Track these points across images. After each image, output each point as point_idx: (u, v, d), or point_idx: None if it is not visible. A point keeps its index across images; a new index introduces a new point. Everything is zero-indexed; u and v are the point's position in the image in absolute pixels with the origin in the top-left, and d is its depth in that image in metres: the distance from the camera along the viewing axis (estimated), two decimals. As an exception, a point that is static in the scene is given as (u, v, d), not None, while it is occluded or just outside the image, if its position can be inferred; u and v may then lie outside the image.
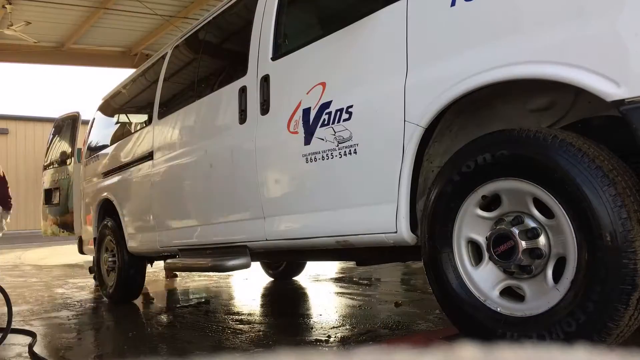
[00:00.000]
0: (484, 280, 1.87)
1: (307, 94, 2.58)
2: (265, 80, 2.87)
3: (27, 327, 3.56)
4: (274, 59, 2.87)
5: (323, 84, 2.51)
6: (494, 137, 1.83)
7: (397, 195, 2.12)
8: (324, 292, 4.84)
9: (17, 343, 3.20)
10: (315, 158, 2.51)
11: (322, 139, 2.46)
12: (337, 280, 5.53)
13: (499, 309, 1.81)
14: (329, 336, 2.96)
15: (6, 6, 9.54)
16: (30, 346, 2.98)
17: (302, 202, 2.66)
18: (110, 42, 12.21)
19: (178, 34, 5.07)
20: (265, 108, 2.86)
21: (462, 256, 1.93)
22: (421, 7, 2.08)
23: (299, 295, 4.89)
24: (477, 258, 1.93)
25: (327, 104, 2.46)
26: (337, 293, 4.67)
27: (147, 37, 11.85)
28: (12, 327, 3.14)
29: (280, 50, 2.87)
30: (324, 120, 2.46)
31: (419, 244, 2.12)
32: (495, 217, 1.86)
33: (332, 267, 6.63)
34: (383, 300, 4.24)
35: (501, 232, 1.80)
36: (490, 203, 1.89)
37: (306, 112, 2.57)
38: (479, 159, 1.82)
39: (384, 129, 2.18)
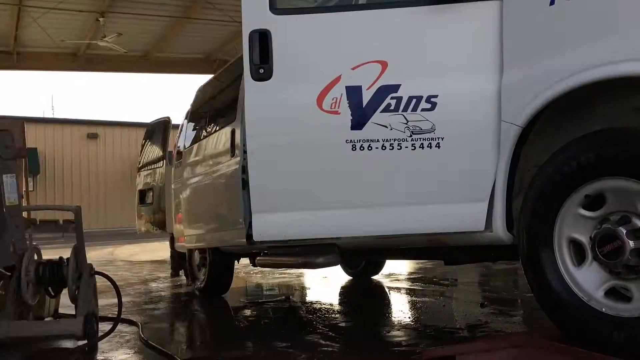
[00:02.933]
0: (588, 280, 1.85)
1: (354, 69, 2.27)
2: (264, 37, 2.39)
3: (130, 318, 3.87)
4: (275, 12, 2.41)
5: (383, 63, 2.24)
6: (597, 136, 1.81)
7: (493, 194, 2.12)
8: (405, 291, 4.86)
9: (124, 331, 3.48)
10: (370, 146, 2.24)
11: (385, 126, 2.22)
12: (416, 280, 5.52)
13: (604, 310, 1.78)
14: (419, 334, 3.00)
15: (100, 19, 10.28)
16: (141, 334, 3.24)
17: (346, 194, 2.37)
18: (191, 49, 12.82)
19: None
20: (265, 72, 2.38)
21: (563, 256, 1.91)
22: (517, 6, 2.08)
23: (383, 295, 4.93)
24: (579, 258, 1.91)
25: (392, 88, 2.21)
26: (419, 293, 4.68)
27: (226, 43, 12.33)
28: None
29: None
30: (390, 105, 2.21)
31: (515, 243, 2.13)
32: (599, 216, 1.84)
33: (407, 267, 6.62)
34: (466, 300, 4.22)
35: (607, 231, 1.77)
36: (593, 202, 1.87)
37: (353, 90, 2.25)
38: (582, 158, 1.80)
39: (477, 128, 2.17)
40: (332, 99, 2.27)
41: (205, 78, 5.73)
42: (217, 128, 4.59)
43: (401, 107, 2.20)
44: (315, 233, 2.46)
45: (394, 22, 2.25)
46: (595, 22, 1.83)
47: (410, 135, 2.19)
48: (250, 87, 2.41)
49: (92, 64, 12.91)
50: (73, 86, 70.37)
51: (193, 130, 5.34)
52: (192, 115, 5.49)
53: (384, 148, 2.22)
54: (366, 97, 2.24)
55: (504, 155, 2.09)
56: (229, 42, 12.19)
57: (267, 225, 2.50)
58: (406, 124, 2.19)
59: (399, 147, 2.21)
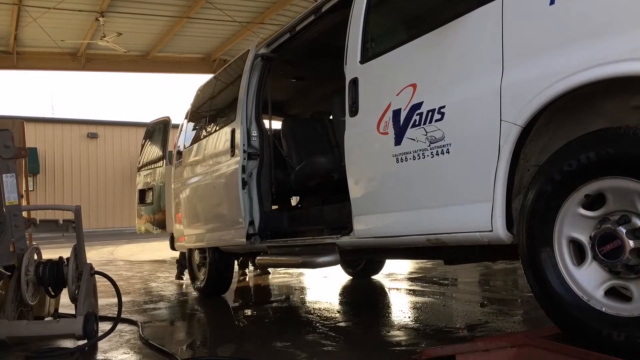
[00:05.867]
0: (588, 279, 1.85)
1: (397, 95, 2.64)
2: (354, 83, 2.96)
3: (130, 317, 3.87)
4: (362, 62, 2.95)
5: (414, 86, 2.55)
6: (598, 135, 1.81)
7: (493, 194, 2.13)
8: (405, 291, 4.86)
9: (124, 331, 3.48)
10: (406, 158, 2.57)
11: (413, 139, 2.51)
12: (415, 279, 5.53)
13: (604, 309, 1.79)
14: (419, 333, 3.00)
15: (99, 19, 10.28)
16: (141, 334, 3.24)
17: (393, 201, 2.72)
18: (191, 49, 12.82)
19: (254, 40, 5.23)
20: (354, 110, 2.95)
21: (563, 255, 1.91)
22: (517, 7, 2.08)
23: (383, 295, 4.94)
24: (579, 257, 1.91)
25: (418, 105, 2.50)
26: (419, 293, 4.68)
27: (225, 43, 12.33)
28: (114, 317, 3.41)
29: (368, 53, 2.94)
30: (415, 121, 2.51)
31: (515, 243, 2.13)
32: (599, 216, 1.83)
33: (407, 267, 6.63)
34: (466, 300, 4.22)
35: (607, 231, 1.77)
36: (593, 202, 1.87)
37: (396, 113, 2.62)
38: (582, 157, 1.80)
39: (478, 129, 2.20)
40: (384, 123, 2.69)
41: (205, 78, 5.73)
42: (217, 128, 4.60)
43: (422, 121, 2.46)
44: (382, 232, 2.80)
45: (418, 49, 2.58)
46: (595, 22, 1.83)
47: (429, 145, 2.42)
48: (348, 121, 3.00)
49: (92, 64, 12.91)
50: (73, 86, 70.41)
51: (193, 130, 5.34)
52: (192, 115, 5.50)
53: (414, 158, 2.52)
54: (403, 116, 2.57)
55: (504, 155, 2.09)
56: (229, 42, 12.20)
57: (362, 226, 2.92)
58: (426, 135, 2.43)
59: (423, 157, 2.46)
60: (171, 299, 5.02)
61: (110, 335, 3.18)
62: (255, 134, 4.12)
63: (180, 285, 6.02)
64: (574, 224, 1.89)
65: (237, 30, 11.50)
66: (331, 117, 4.85)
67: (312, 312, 4.04)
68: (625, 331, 1.71)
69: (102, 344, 3.09)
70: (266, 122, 4.50)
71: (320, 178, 4.10)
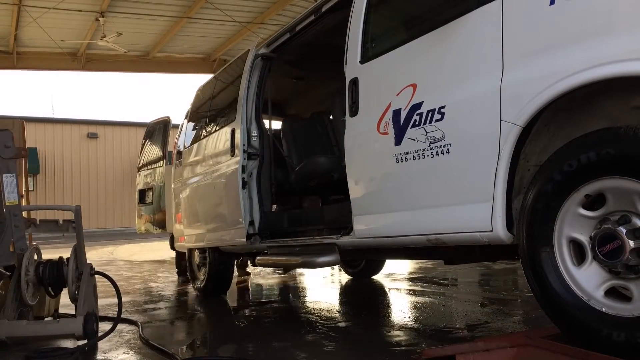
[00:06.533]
0: (588, 280, 1.85)
1: (397, 95, 2.64)
2: (354, 83, 2.96)
3: (130, 317, 3.87)
4: (362, 62, 2.95)
5: (414, 86, 2.56)
6: (598, 136, 1.81)
7: (493, 194, 2.13)
8: (405, 291, 4.86)
9: (124, 331, 3.48)
10: (406, 158, 2.57)
11: (413, 139, 2.52)
12: (416, 280, 5.53)
13: (604, 309, 1.79)
14: (419, 334, 3.00)
15: (99, 19, 10.28)
16: (141, 334, 3.24)
17: (393, 201, 2.72)
18: (191, 49, 12.82)
19: (254, 40, 5.23)
20: (354, 110, 2.95)
21: (563, 255, 1.92)
22: (517, 7, 2.08)
23: (383, 295, 4.94)
24: (579, 257, 1.91)
25: (418, 105, 2.51)
26: (419, 293, 4.68)
27: (225, 43, 12.33)
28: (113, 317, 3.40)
29: (368, 53, 2.95)
30: (415, 121, 2.51)
31: (515, 243, 2.13)
32: (599, 216, 1.84)
33: (407, 267, 6.63)
34: (466, 300, 4.22)
35: (607, 231, 1.78)
36: (593, 202, 1.87)
37: (396, 113, 2.63)
38: (583, 157, 1.81)
39: (478, 129, 2.20)
40: (384, 123, 2.69)
41: (205, 78, 5.73)
42: (217, 128, 4.60)
43: (422, 121, 2.47)
44: (382, 233, 2.81)
45: (418, 49, 2.58)
46: (595, 22, 1.83)
47: (429, 145, 2.43)
48: (348, 121, 3.01)
49: (92, 64, 12.91)
50: (73, 86, 70.44)
51: (193, 130, 5.35)
52: (192, 115, 5.50)
53: (414, 159, 2.52)
54: (403, 116, 2.58)
55: (504, 155, 2.09)
56: (229, 42, 12.20)
57: (362, 226, 2.93)
58: (426, 135, 2.43)
59: (423, 157, 2.47)
60: (171, 299, 5.02)
61: (110, 335, 3.18)
62: (255, 134, 4.12)
63: (180, 285, 6.02)
64: (574, 224, 1.90)
65: (237, 30, 11.49)
66: (331, 117, 4.86)
67: (312, 312, 4.04)
68: (625, 331, 1.71)
69: (102, 344, 3.09)
70: (266, 122, 4.50)
71: (320, 178, 4.10)
